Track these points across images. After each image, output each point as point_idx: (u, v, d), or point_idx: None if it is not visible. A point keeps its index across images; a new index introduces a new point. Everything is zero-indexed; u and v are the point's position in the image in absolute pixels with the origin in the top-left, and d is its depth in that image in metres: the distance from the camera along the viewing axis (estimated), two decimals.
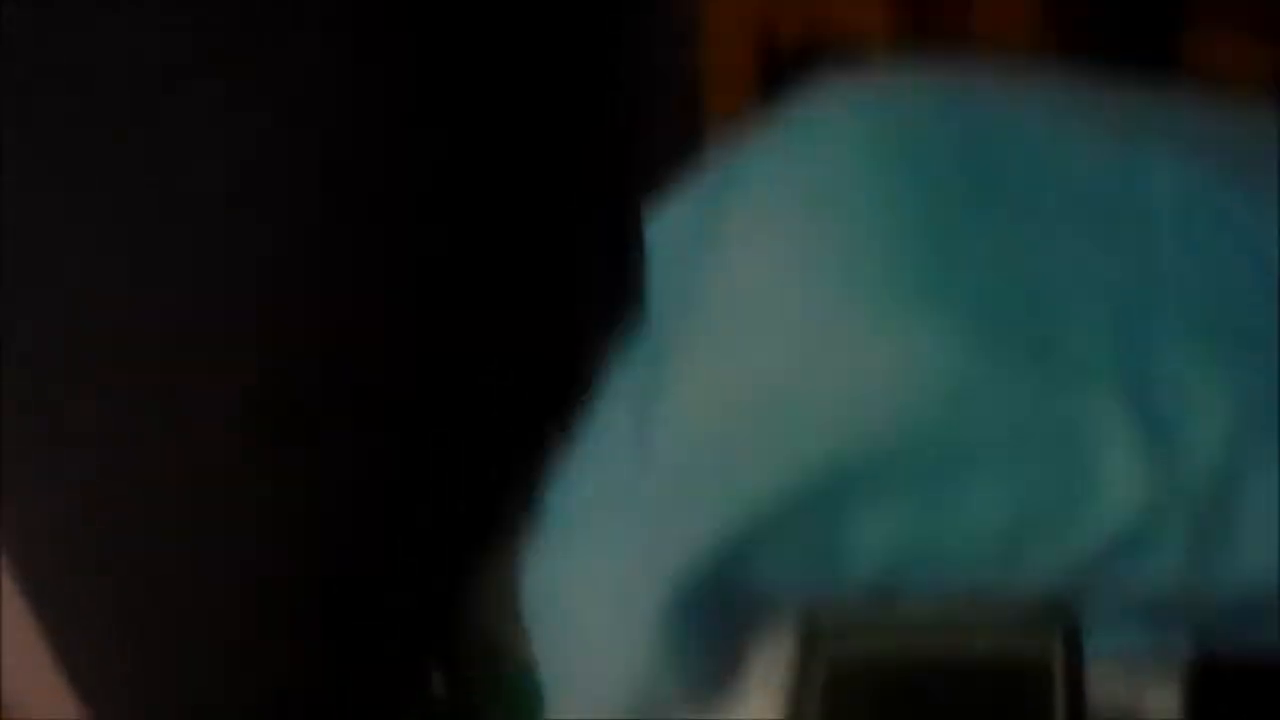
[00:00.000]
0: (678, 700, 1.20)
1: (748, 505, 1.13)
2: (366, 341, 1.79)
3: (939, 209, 1.21)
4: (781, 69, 1.70)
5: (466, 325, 2.04)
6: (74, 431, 1.39)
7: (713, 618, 1.18)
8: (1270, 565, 1.08)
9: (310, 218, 1.66)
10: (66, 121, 1.36)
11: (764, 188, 1.32)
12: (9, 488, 1.33)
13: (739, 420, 1.16)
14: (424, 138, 1.86)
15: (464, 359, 2.07)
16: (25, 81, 1.33)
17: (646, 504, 1.20)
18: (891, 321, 1.13)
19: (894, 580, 1.13)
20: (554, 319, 2.19)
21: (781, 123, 1.42)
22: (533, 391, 2.16)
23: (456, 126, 1.92)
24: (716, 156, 1.48)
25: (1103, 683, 1.08)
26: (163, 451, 1.53)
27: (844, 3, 1.64)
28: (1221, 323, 1.15)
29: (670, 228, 1.42)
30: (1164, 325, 1.14)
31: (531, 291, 2.18)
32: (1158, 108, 1.36)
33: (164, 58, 1.44)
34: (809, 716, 1.03)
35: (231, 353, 1.57)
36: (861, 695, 1.06)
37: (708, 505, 1.14)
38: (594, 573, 1.24)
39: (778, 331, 1.19)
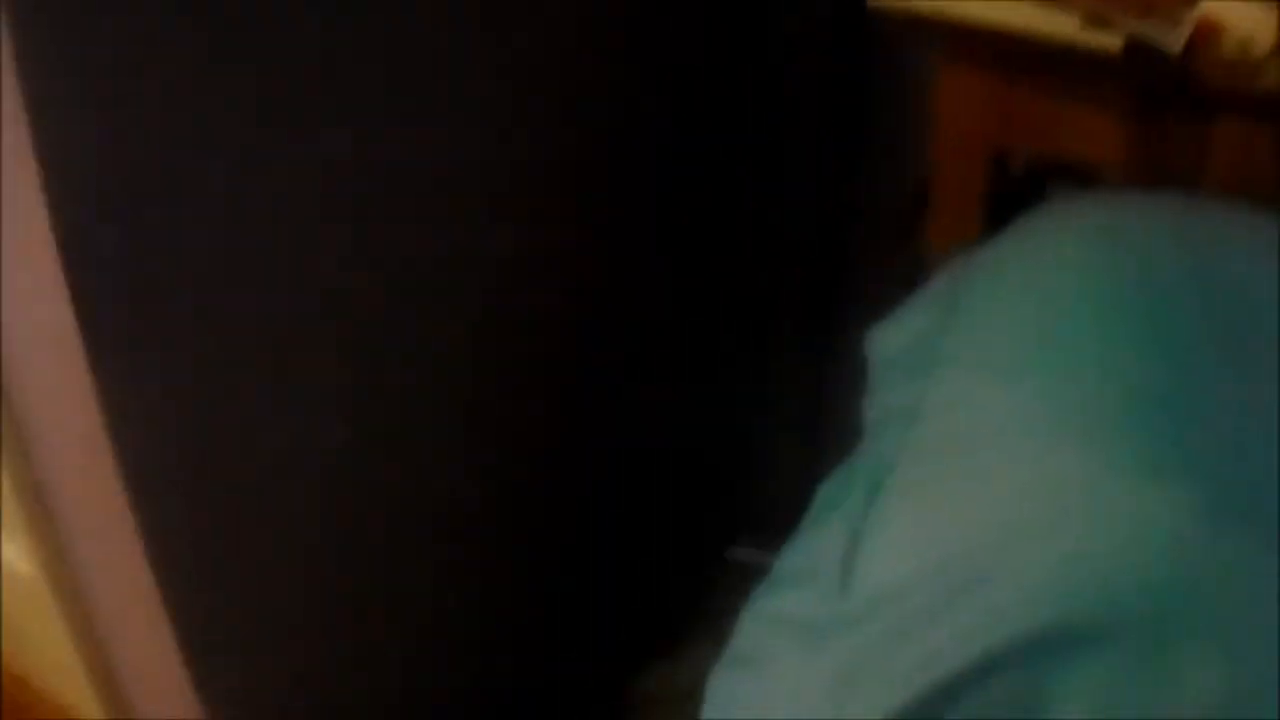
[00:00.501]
0: None
1: (953, 660, 1.10)
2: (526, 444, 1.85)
3: (1174, 361, 1.18)
4: (1010, 190, 1.71)
5: (661, 431, 2.09)
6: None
7: None
8: None
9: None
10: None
11: (993, 317, 1.31)
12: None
13: (954, 570, 1.14)
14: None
15: (649, 462, 2.12)
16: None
17: (844, 640, 1.18)
18: (1126, 487, 1.11)
19: None
20: (751, 425, 2.23)
21: (1011, 246, 1.43)
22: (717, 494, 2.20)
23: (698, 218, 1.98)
24: (941, 275, 1.48)
25: None
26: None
27: (1079, 129, 1.64)
28: None
29: (894, 343, 1.42)
30: None
31: (729, 398, 2.22)
32: None
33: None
34: None
35: None
36: None
37: (911, 655, 1.12)
38: (782, 698, 1.22)
39: (1005, 484, 1.16)
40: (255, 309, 1.38)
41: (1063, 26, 1.58)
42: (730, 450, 2.20)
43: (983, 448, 1.19)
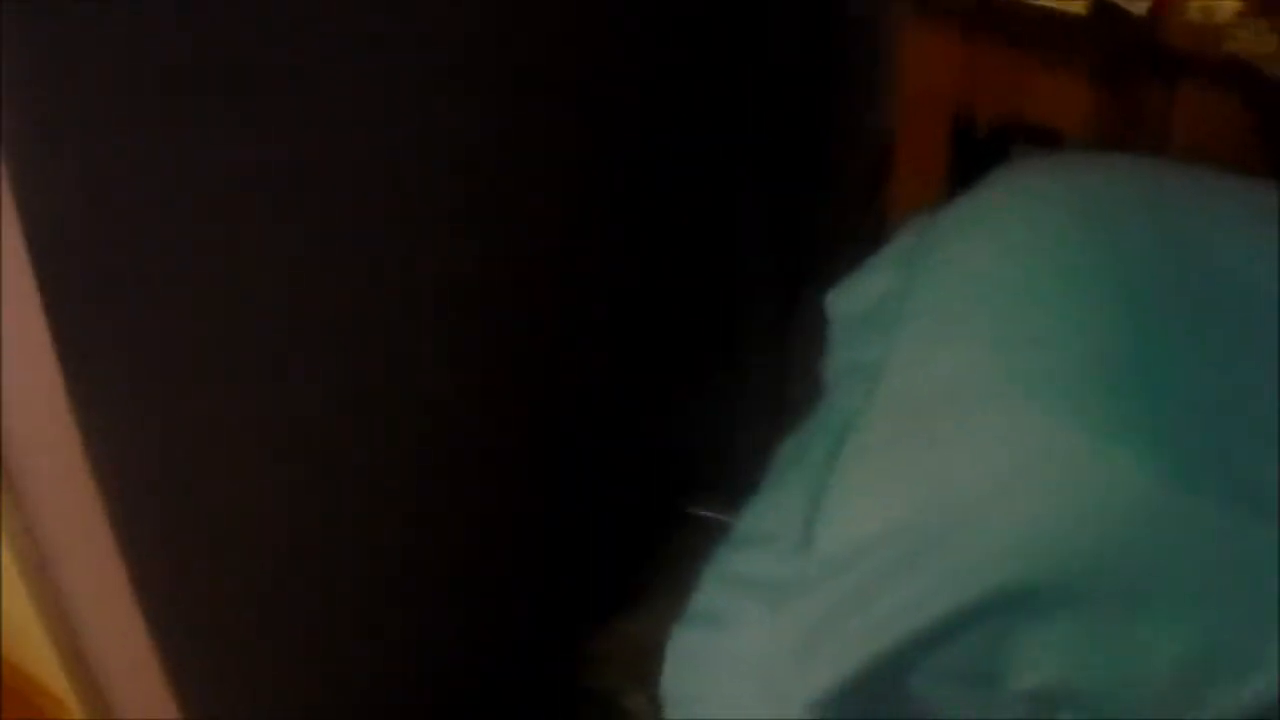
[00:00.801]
0: None
1: (914, 621, 1.11)
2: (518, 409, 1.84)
3: (1140, 322, 1.17)
4: (974, 151, 1.71)
5: (623, 388, 2.09)
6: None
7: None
8: None
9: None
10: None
11: (955, 277, 1.31)
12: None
13: (916, 531, 1.13)
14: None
15: (610, 419, 2.12)
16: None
17: (806, 600, 1.18)
18: (1090, 449, 1.10)
19: (1054, 698, 1.11)
20: (714, 386, 2.23)
21: (974, 207, 1.42)
22: (677, 460, 2.21)
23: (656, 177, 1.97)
24: (904, 233, 1.48)
25: None
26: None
27: (1044, 91, 1.64)
28: None
29: (855, 302, 1.42)
30: None
31: (692, 357, 2.22)
32: None
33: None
34: None
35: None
36: None
37: (873, 615, 1.13)
38: (744, 657, 1.23)
39: (966, 446, 1.16)
40: (226, 305, 1.37)
41: None
42: (692, 407, 2.20)
43: (944, 408, 1.19)
